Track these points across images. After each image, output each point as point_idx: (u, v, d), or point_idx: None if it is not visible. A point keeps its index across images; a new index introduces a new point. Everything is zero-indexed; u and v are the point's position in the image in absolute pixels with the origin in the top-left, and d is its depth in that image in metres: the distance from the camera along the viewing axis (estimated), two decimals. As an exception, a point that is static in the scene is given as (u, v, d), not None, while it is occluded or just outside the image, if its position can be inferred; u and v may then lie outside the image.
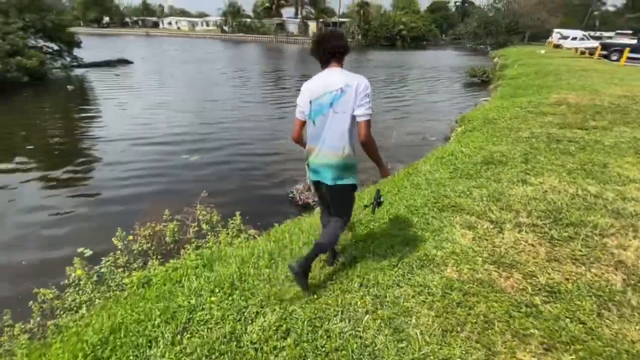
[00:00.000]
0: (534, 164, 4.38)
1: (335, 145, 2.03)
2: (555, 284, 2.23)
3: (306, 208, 5.26)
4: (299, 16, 61.71)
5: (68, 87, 15.68)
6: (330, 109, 1.99)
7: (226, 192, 5.94)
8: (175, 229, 3.48)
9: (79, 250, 4.26)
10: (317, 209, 4.98)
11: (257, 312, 2.20)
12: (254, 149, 8.02)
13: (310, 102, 2.04)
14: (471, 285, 2.27)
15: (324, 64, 2.09)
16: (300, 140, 2.22)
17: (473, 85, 17.45)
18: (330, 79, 2.00)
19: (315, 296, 2.29)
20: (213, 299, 2.36)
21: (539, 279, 2.29)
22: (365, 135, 1.98)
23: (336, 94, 1.96)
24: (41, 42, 18.89)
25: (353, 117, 1.98)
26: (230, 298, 2.35)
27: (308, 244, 2.95)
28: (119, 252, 3.28)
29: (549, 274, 2.35)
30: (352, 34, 50.12)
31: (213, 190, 5.96)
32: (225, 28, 61.15)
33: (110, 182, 6.29)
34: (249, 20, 60.18)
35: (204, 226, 3.63)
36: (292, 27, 61.01)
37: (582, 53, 24.71)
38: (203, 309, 2.28)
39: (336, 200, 2.27)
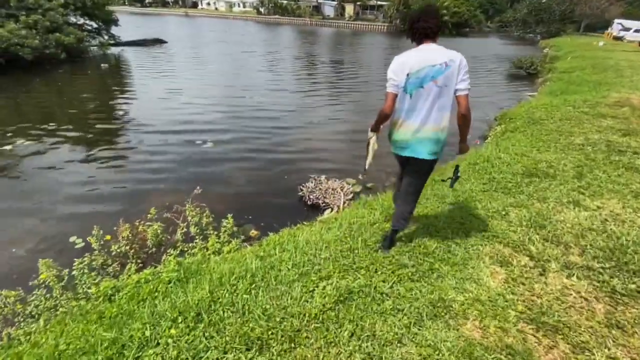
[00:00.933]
0: (590, 181, 3.61)
1: (436, 119, 2.08)
2: (620, 369, 1.62)
3: (314, 209, 4.78)
4: (336, -2, 59.83)
5: (102, 65, 15.92)
6: (431, 82, 2.02)
7: (233, 185, 5.57)
8: (159, 231, 3.11)
9: (71, 239, 4.04)
10: (340, 208, 4.49)
11: (218, 360, 1.77)
12: (271, 141, 7.52)
13: (408, 74, 2.04)
14: (498, 354, 1.70)
15: (418, 41, 2.13)
16: (390, 114, 2.17)
17: (517, 78, 15.92)
18: (431, 54, 2.03)
19: (292, 344, 1.83)
20: (172, 331, 1.95)
21: (595, 356, 1.68)
22: (466, 107, 2.04)
23: (440, 68, 1.99)
24: (81, 20, 19.33)
25: (454, 91, 2.03)
26: (192, 333, 1.94)
27: (298, 266, 2.47)
28: (96, 252, 2.97)
29: (609, 348, 1.73)
30: (390, 18, 47.94)
31: (220, 182, 5.63)
32: (261, 10, 60.61)
33: (119, 167, 6.09)
34: (284, 1, 59.17)
35: (191, 229, 3.24)
36: (328, 10, 59.33)
37: (648, 46, 22.13)
38: (158, 344, 1.88)
39: (422, 174, 2.31)
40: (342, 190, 4.99)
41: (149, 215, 3.22)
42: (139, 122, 8.37)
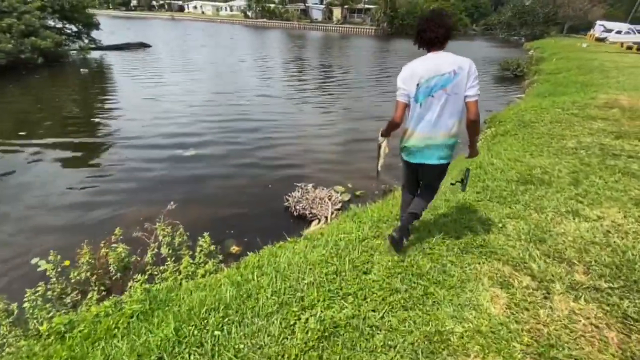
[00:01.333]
0: (587, 188, 3.44)
1: (446, 126, 2.10)
2: (645, 417, 1.41)
3: (301, 220, 4.52)
4: (324, 2, 59.89)
5: (81, 70, 15.38)
6: (441, 91, 2.03)
7: (214, 197, 5.28)
8: (124, 254, 2.81)
9: (33, 261, 3.67)
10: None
11: (179, 419, 1.49)
12: (255, 149, 7.24)
13: (418, 84, 2.05)
14: (505, 403, 1.47)
15: (425, 49, 2.11)
16: (401, 123, 2.19)
17: (505, 80, 15.99)
18: (440, 62, 2.02)
19: (268, 396, 1.57)
20: (128, 382, 1.67)
21: (616, 402, 1.47)
22: (476, 113, 2.04)
23: (449, 77, 2.00)
24: (60, 23, 18.71)
25: (463, 98, 2.03)
26: (150, 384, 1.66)
27: (278, 293, 2.21)
28: (53, 280, 2.66)
29: (630, 389, 1.52)
30: (377, 22, 48.17)
31: (201, 193, 5.34)
32: (249, 13, 60.27)
33: (91, 182, 5.73)
34: (272, 5, 58.95)
35: (163, 250, 2.95)
36: (316, 14, 59.32)
37: (629, 48, 22.62)
38: (110, 400, 1.60)
39: (435, 178, 2.36)
40: (330, 199, 4.76)
41: (113, 236, 2.92)
42: (116, 131, 8.01)
